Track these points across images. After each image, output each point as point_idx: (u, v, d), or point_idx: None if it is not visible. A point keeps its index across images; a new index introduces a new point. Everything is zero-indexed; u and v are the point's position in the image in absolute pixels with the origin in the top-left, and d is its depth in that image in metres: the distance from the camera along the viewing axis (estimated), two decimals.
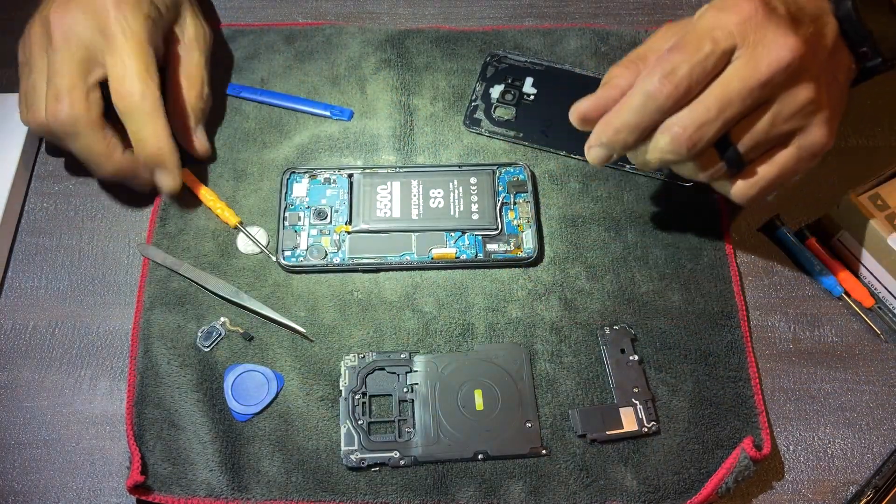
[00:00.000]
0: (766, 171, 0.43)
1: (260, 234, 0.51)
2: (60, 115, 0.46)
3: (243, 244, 0.51)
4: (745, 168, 0.43)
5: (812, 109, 0.41)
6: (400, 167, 0.54)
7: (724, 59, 0.40)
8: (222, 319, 0.49)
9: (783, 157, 0.42)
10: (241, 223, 0.51)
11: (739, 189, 0.44)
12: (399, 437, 0.45)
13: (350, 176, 0.53)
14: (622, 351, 0.48)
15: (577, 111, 0.44)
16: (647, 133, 0.42)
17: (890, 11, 0.44)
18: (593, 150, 0.44)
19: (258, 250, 0.51)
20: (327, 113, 0.56)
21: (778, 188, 0.44)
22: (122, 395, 0.47)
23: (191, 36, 0.52)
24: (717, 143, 0.42)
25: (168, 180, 0.50)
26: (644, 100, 0.41)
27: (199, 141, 0.52)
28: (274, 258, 0.50)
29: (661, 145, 0.41)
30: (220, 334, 0.48)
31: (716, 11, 0.41)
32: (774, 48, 0.39)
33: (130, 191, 0.53)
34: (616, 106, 0.42)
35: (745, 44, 0.40)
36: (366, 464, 0.44)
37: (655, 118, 0.41)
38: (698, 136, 0.40)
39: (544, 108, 0.57)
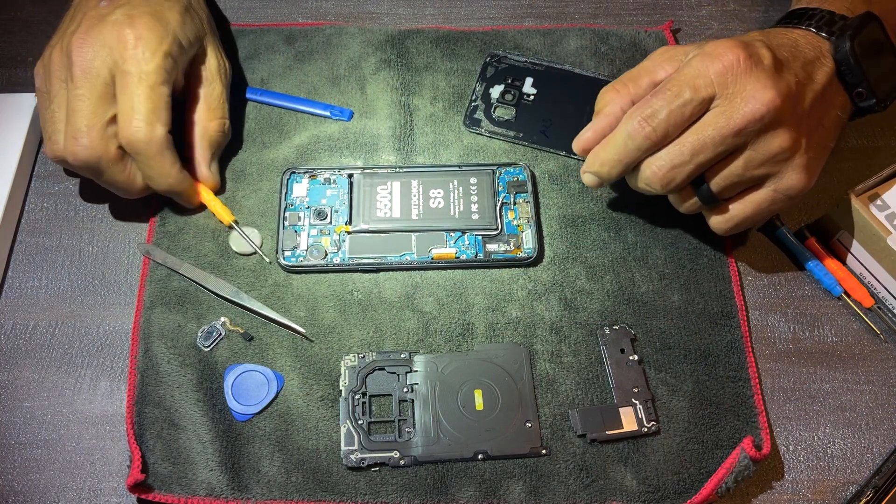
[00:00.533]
0: (739, 209, 0.46)
1: (254, 236, 0.51)
2: (80, 155, 0.46)
3: (236, 243, 0.51)
4: (720, 205, 0.46)
5: (786, 156, 0.43)
6: (400, 167, 0.54)
7: (703, 107, 0.43)
8: (222, 319, 0.49)
9: (758, 198, 0.45)
10: (235, 222, 0.51)
11: (716, 222, 0.47)
12: (399, 437, 0.45)
13: (350, 176, 0.53)
14: (622, 351, 0.48)
15: (579, 143, 0.48)
16: (630, 167, 0.45)
17: (888, 53, 0.45)
18: (586, 176, 0.48)
19: (251, 250, 0.51)
20: (327, 113, 0.56)
21: (754, 224, 0.48)
22: (122, 394, 0.47)
23: (213, 69, 0.52)
24: (695, 181, 0.45)
25: (184, 205, 0.52)
26: (625, 139, 0.44)
27: (212, 175, 0.52)
28: (268, 259, 0.50)
29: (641, 179, 0.45)
30: (220, 334, 0.48)
31: (702, 58, 0.43)
32: (750, 101, 0.41)
33: None
34: (603, 140, 0.46)
35: (724, 94, 0.42)
36: (366, 464, 0.44)
37: (635, 156, 0.44)
38: (671, 176, 0.44)
39: (544, 108, 0.57)
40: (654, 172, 0.44)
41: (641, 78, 0.46)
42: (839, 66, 0.44)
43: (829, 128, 0.45)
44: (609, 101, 0.46)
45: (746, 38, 0.44)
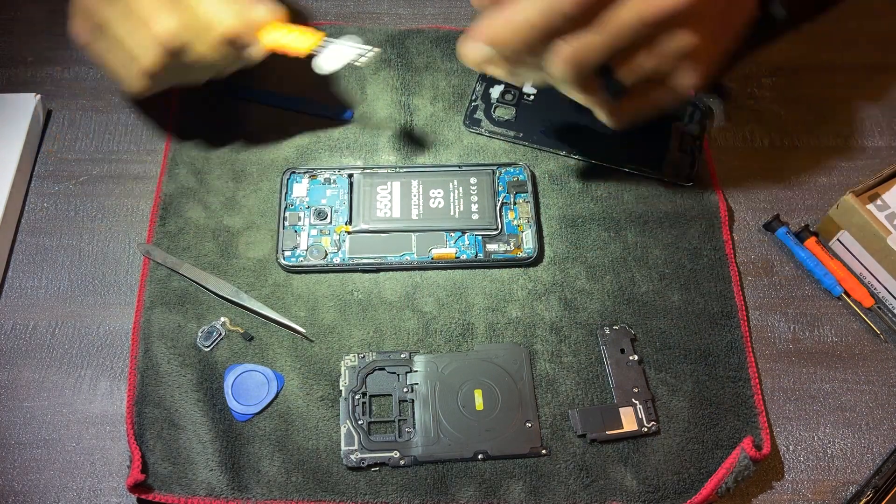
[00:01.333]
0: (639, 102, 0.46)
1: (346, 50, 0.44)
2: (172, 43, 0.45)
3: (327, 61, 0.45)
4: (621, 97, 0.46)
5: (690, 53, 0.42)
6: (400, 167, 0.54)
7: None
8: (222, 319, 0.49)
9: (656, 92, 0.45)
10: (326, 38, 0.45)
11: (611, 116, 0.47)
12: (399, 437, 0.45)
13: (350, 176, 0.53)
14: (622, 351, 0.48)
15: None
16: (537, 42, 0.41)
17: None
18: (471, 47, 0.43)
19: (346, 61, 0.45)
20: (327, 113, 0.56)
21: (642, 119, 0.47)
22: (122, 395, 0.47)
23: None
24: (601, 71, 0.43)
25: (251, 60, 0.49)
26: (552, 2, 0.40)
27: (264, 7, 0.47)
28: (366, 56, 0.45)
29: (550, 60, 0.42)
30: (220, 334, 0.48)
31: None
32: None
33: (130, 187, 0.53)
34: (521, 2, 0.41)
35: None
36: (366, 464, 0.44)
37: (555, 25, 0.40)
38: (583, 57, 0.42)
39: (544, 108, 0.57)
40: (568, 52, 0.41)
41: None
42: None
43: (732, 33, 0.45)
44: None
45: None
